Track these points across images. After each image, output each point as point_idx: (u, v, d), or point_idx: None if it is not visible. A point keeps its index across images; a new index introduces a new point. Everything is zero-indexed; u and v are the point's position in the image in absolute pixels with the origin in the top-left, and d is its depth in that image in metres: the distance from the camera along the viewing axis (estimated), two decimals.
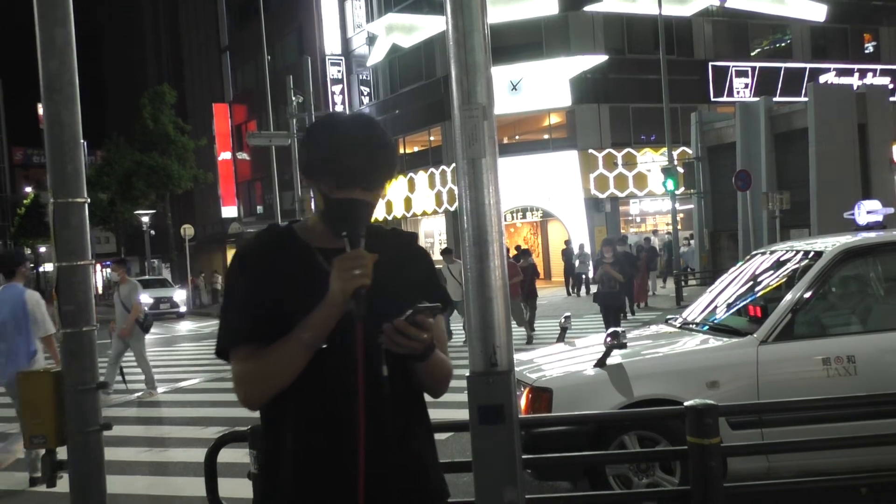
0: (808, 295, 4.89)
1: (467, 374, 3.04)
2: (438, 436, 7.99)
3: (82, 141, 3.19)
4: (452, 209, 32.58)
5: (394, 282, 1.79)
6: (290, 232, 1.87)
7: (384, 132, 1.83)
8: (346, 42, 38.54)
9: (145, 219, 36.38)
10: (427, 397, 1.98)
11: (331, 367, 1.74)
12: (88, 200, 3.13)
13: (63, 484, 3.38)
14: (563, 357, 5.93)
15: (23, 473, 6.60)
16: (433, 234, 35.49)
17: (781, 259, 5.76)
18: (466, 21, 3.25)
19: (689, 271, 25.13)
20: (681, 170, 25.19)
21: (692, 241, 27.36)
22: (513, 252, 19.45)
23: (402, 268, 1.86)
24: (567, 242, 27.25)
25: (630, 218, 32.98)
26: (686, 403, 3.59)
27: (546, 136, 32.11)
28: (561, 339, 8.05)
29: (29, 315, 6.49)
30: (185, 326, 25.26)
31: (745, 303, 5.54)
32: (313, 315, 1.68)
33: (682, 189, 24.82)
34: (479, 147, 3.32)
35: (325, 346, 1.70)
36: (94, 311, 3.12)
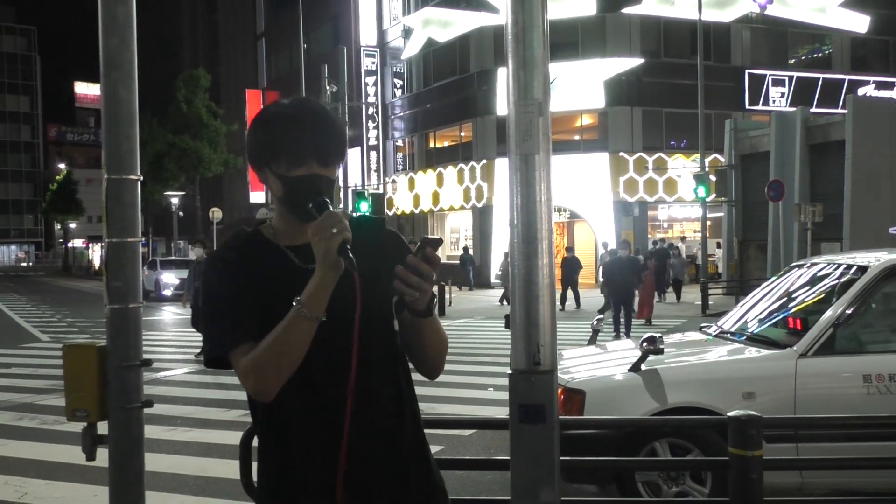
0: (850, 310, 4.80)
1: (509, 372, 3.00)
2: (461, 432, 7.86)
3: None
4: (480, 206, 32.52)
5: (379, 268, 1.75)
6: (258, 235, 1.82)
7: (329, 111, 1.82)
8: (381, 34, 38.61)
9: (174, 200, 36.73)
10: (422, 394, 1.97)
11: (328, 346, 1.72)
12: (142, 178, 3.15)
13: (102, 458, 3.41)
14: (593, 360, 5.89)
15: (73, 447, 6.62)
16: (459, 230, 35.44)
17: (821, 272, 5.67)
18: (527, 16, 3.23)
19: (678, 283, 24.61)
20: (712, 177, 24.94)
21: (682, 252, 26.83)
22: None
23: (381, 253, 1.78)
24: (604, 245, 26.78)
25: (658, 223, 32.74)
26: (730, 414, 3.54)
27: (577, 137, 31.94)
28: (593, 341, 7.95)
29: None
30: None
31: (784, 315, 5.46)
32: (308, 286, 1.64)
33: (712, 196, 24.56)
34: (533, 143, 3.29)
35: (324, 319, 1.65)
36: (141, 289, 3.14)
